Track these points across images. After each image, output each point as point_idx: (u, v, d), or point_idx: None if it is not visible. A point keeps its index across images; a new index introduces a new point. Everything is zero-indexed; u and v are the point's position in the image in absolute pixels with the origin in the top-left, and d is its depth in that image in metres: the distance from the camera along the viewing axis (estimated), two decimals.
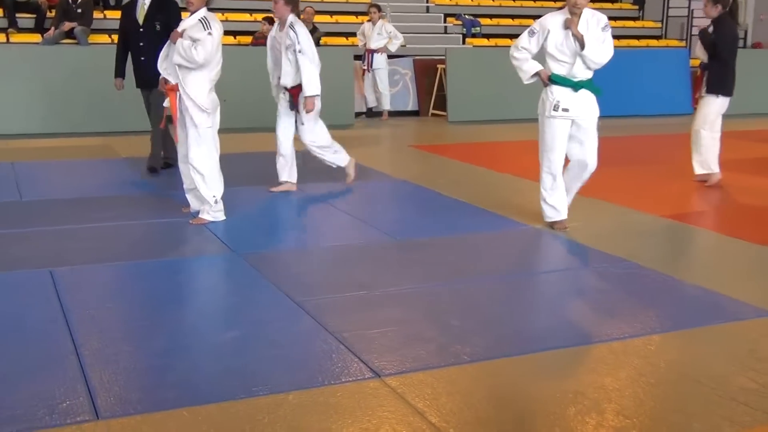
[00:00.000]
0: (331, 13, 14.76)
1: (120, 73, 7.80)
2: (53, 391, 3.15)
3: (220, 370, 3.41)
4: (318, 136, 7.14)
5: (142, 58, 7.43)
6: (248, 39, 13.03)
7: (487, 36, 15.35)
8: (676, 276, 4.82)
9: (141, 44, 7.48)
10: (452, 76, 12.64)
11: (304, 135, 7.08)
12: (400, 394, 3.19)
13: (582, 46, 5.40)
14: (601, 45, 5.43)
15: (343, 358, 3.52)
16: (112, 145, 9.39)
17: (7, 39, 11.86)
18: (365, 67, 12.62)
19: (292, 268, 4.85)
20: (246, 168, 8.13)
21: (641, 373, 3.43)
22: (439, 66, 13.07)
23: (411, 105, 13.42)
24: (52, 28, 11.59)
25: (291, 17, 6.77)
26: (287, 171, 7.10)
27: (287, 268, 4.84)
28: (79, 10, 11.74)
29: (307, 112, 6.87)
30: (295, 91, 6.89)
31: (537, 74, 5.62)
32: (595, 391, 3.24)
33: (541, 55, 5.65)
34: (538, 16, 5.87)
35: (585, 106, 5.59)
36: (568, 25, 5.43)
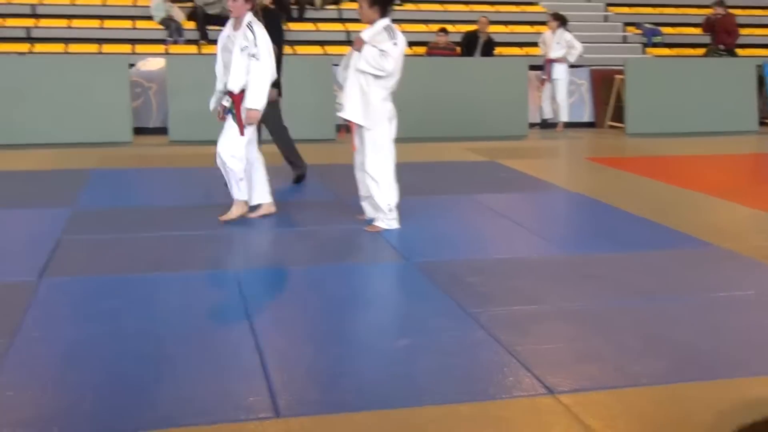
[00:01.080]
0: (506, 23, 14.71)
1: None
2: (237, 388, 3.31)
3: (392, 376, 3.47)
4: (236, 151, 6.02)
5: None
6: (422, 50, 13.19)
7: (669, 45, 14.83)
8: None
9: None
10: (631, 86, 12.29)
11: (222, 141, 6.06)
12: (575, 413, 3.13)
13: None
14: None
15: (515, 372, 3.50)
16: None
17: (199, 50, 12.58)
18: (545, 77, 12.47)
19: (464, 278, 4.86)
20: (416, 177, 8.22)
21: None
22: (617, 76, 12.74)
23: (587, 116, 13.15)
24: None
25: (249, 15, 5.97)
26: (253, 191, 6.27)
27: (460, 277, 4.86)
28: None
29: (248, 125, 6.00)
30: (238, 98, 5.98)
31: None
32: None
33: None
34: None
35: None
36: None
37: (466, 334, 3.97)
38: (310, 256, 5.41)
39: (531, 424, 3.05)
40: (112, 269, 4.96)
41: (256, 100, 5.93)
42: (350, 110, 5.90)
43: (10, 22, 13.21)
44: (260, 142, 6.64)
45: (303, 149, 7.95)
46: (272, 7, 7.72)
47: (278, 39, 6.94)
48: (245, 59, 5.90)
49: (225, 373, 3.48)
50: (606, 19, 15.62)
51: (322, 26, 14.01)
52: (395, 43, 5.76)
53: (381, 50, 5.70)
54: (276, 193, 6.48)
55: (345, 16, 14.50)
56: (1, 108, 10.12)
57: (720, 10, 13.57)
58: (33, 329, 3.94)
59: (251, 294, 4.51)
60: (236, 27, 6.00)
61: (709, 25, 13.69)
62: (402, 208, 6.06)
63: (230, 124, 6.03)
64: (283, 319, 4.23)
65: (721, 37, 13.58)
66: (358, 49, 5.82)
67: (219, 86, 6.17)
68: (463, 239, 5.97)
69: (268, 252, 5.42)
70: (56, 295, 4.50)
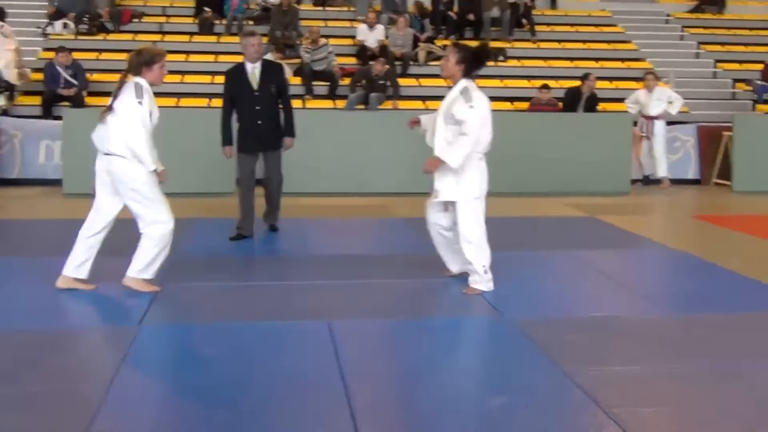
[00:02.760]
0: (610, 78, 14.53)
1: (228, 141, 7.53)
2: None
3: None
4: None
5: (259, 122, 7.41)
6: (525, 105, 13.14)
7: None
8: None
9: (257, 108, 7.40)
10: (740, 143, 11.88)
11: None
12: None
13: None
14: None
15: None
16: (388, 205, 9.75)
17: (303, 104, 12.85)
18: (644, 134, 12.22)
19: (561, 335, 4.71)
20: (515, 232, 8.11)
21: None
22: (725, 133, 12.35)
23: (692, 173, 12.76)
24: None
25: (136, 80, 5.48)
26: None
27: (557, 335, 4.71)
28: (381, 81, 12.79)
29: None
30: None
31: None
32: None
33: None
34: None
35: None
36: None
37: (562, 394, 3.83)
38: (405, 308, 5.35)
39: None
40: (210, 317, 5.02)
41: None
42: (445, 191, 5.72)
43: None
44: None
45: (404, 202, 7.94)
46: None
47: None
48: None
49: (316, 426, 3.44)
50: (715, 75, 15.24)
51: (425, 82, 14.13)
52: (471, 106, 5.49)
53: (457, 120, 5.49)
54: (370, 247, 6.48)
55: None
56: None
57: None
58: (130, 376, 3.99)
59: (344, 346, 4.48)
60: None
61: None
62: (499, 263, 5.95)
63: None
64: (376, 373, 4.18)
65: None
66: (430, 171, 5.66)
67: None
68: (561, 296, 5.81)
69: (362, 303, 5.39)
70: (154, 341, 4.57)
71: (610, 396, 3.76)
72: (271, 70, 7.62)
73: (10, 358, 4.22)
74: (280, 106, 7.61)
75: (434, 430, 3.43)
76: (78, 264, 5.53)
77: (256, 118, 7.44)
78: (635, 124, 12.33)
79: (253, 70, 7.45)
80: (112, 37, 14.76)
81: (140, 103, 5.34)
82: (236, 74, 7.54)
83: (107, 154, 5.46)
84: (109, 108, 5.44)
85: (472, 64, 5.63)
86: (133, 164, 5.36)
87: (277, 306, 5.33)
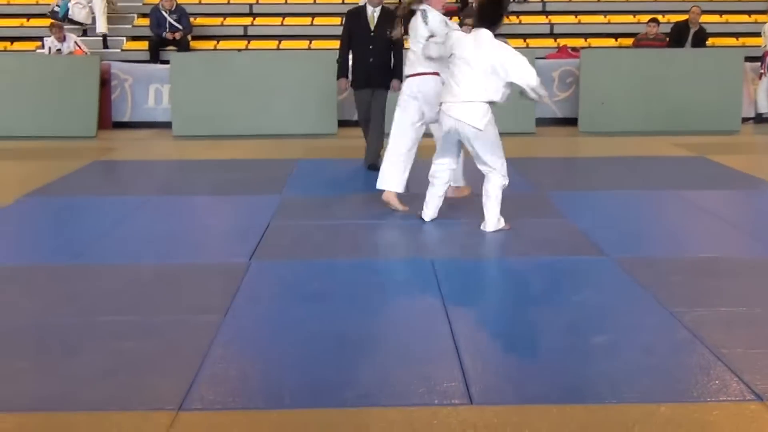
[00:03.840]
0: (721, 12, 13.93)
1: (344, 74, 8.23)
2: (433, 373, 3.35)
3: (591, 372, 3.39)
4: None
5: (371, 59, 7.97)
6: (629, 41, 12.77)
7: None
8: None
9: (371, 47, 7.97)
10: None
11: None
12: None
13: None
14: None
15: (720, 376, 3.31)
16: None
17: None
18: (762, 71, 11.71)
19: (668, 276, 4.66)
20: (621, 172, 7.98)
21: None
22: None
23: None
24: None
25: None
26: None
27: (662, 275, 4.66)
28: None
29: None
30: None
31: None
32: None
33: None
34: None
35: None
36: None
37: (668, 333, 3.81)
38: (510, 248, 5.37)
39: (737, 430, 2.88)
40: (316, 254, 5.16)
41: None
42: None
43: (229, 21, 14.01)
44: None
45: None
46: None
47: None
48: None
49: (421, 358, 3.53)
50: None
51: (525, 19, 13.86)
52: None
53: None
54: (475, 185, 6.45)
55: (549, 8, 14.28)
56: (221, 101, 10.78)
57: None
58: (243, 307, 4.17)
59: (448, 283, 4.54)
60: None
61: None
62: (604, 203, 5.90)
63: None
64: (479, 309, 4.24)
65: None
66: None
67: None
68: (667, 236, 5.72)
69: (469, 242, 5.43)
70: (264, 276, 4.74)
71: (717, 337, 3.71)
72: (389, 17, 7.95)
73: (132, 290, 4.46)
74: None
75: (538, 365, 3.47)
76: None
77: (369, 56, 8.01)
78: (756, 59, 11.83)
79: (373, 13, 8.04)
80: None
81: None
82: (357, 14, 8.22)
83: None
84: None
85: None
86: None
87: (382, 243, 5.43)
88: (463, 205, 6.28)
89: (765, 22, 12.15)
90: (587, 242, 5.40)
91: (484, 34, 5.43)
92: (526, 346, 3.73)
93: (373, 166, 7.97)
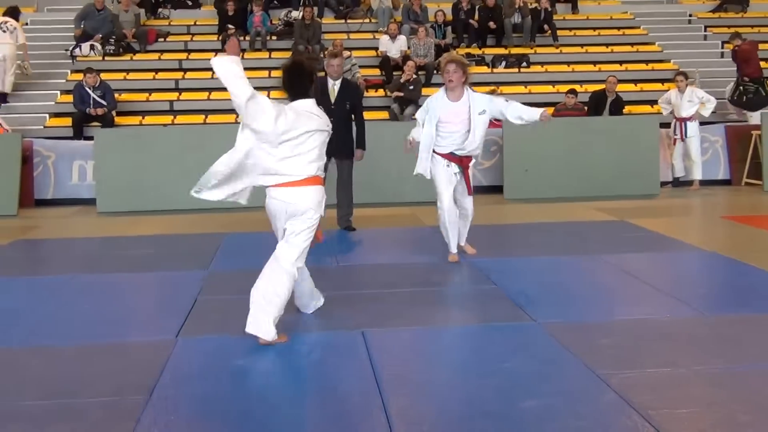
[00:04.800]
0: (636, 81, 14.50)
1: None
2: None
3: None
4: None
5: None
6: (550, 110, 13.13)
7: None
8: None
9: (332, 120, 7.89)
10: None
11: None
12: None
13: None
14: None
15: None
16: (417, 214, 9.79)
17: None
18: (677, 137, 12.15)
19: (594, 339, 4.73)
20: (544, 237, 8.13)
21: None
22: (754, 132, 12.27)
23: (722, 174, 12.68)
24: None
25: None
26: None
27: (590, 339, 4.73)
28: (411, 87, 12.59)
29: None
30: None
31: None
32: None
33: None
34: None
35: None
36: None
37: (596, 396, 3.85)
38: (438, 316, 5.39)
39: None
40: (241, 329, 5.08)
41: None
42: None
43: (155, 96, 13.98)
44: None
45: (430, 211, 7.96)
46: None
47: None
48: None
49: (351, 430, 3.49)
50: None
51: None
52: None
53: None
54: (407, 256, 6.53)
55: (471, 80, 14.62)
56: (147, 176, 10.66)
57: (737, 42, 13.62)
58: (169, 386, 4.07)
59: (377, 353, 4.53)
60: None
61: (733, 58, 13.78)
62: (530, 268, 5.99)
63: None
64: (409, 379, 4.22)
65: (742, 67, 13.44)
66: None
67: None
68: (594, 300, 5.83)
69: (398, 312, 5.43)
70: (191, 353, 4.65)
71: (645, 398, 3.77)
72: (349, 88, 8.54)
73: (55, 373, 4.32)
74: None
75: (471, 431, 3.47)
76: None
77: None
78: (668, 125, 12.28)
79: (333, 86, 8.30)
80: (138, 57, 14.97)
81: None
82: (318, 87, 8.23)
83: None
84: None
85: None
86: None
87: (310, 316, 5.39)
88: (395, 273, 6.29)
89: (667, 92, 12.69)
90: (515, 308, 5.46)
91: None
92: (458, 413, 3.71)
93: (349, 227, 8.61)
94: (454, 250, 6.86)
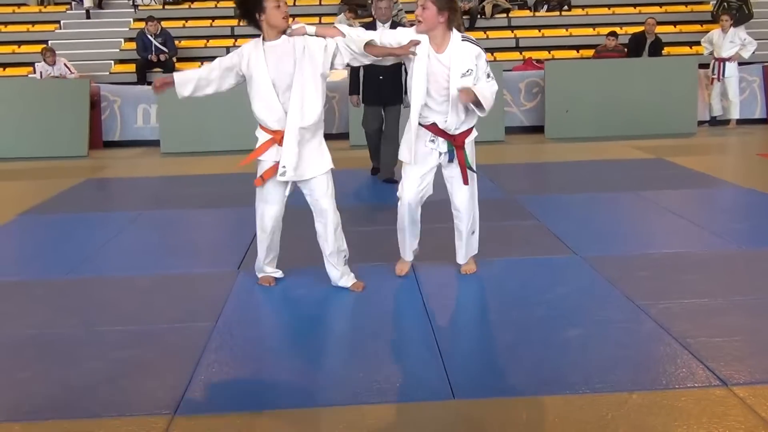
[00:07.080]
0: (675, 23, 14.08)
1: (354, 90, 7.96)
2: (417, 371, 3.35)
3: (565, 364, 3.40)
4: None
5: (381, 77, 7.52)
6: (590, 53, 12.86)
7: None
8: None
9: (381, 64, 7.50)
10: None
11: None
12: (750, 405, 2.94)
13: None
14: None
15: (687, 364, 3.34)
16: None
17: None
18: (714, 76, 11.83)
19: (634, 271, 4.68)
20: (584, 175, 8.03)
21: None
22: None
23: (759, 113, 12.34)
24: None
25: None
26: None
27: (629, 271, 4.68)
28: None
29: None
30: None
31: None
32: None
33: None
34: None
35: None
36: None
37: (636, 326, 3.82)
38: (484, 250, 5.37)
39: (704, 414, 2.90)
40: (304, 261, 5.12)
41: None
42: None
43: (213, 42, 13.97)
44: None
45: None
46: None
47: None
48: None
49: (406, 357, 3.53)
50: None
51: (492, 34, 13.93)
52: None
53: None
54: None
55: (514, 23, 14.35)
56: (207, 119, 10.72)
57: None
58: (233, 314, 4.14)
59: (427, 285, 4.54)
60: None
61: None
62: (570, 205, 5.93)
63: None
64: (458, 309, 4.24)
65: None
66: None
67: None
68: (631, 235, 5.75)
69: (446, 246, 5.43)
70: (252, 284, 4.71)
71: (683, 327, 3.74)
72: None
73: (127, 301, 4.42)
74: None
75: (515, 359, 3.47)
76: None
77: (379, 74, 7.52)
78: (707, 66, 11.95)
79: (382, 30, 7.68)
80: (196, 5, 14.92)
81: None
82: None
83: None
84: None
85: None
86: None
87: (361, 249, 5.41)
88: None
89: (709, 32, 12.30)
90: (558, 242, 5.42)
91: None
92: (504, 341, 3.73)
93: (390, 179, 7.77)
94: (407, 257, 4.81)
